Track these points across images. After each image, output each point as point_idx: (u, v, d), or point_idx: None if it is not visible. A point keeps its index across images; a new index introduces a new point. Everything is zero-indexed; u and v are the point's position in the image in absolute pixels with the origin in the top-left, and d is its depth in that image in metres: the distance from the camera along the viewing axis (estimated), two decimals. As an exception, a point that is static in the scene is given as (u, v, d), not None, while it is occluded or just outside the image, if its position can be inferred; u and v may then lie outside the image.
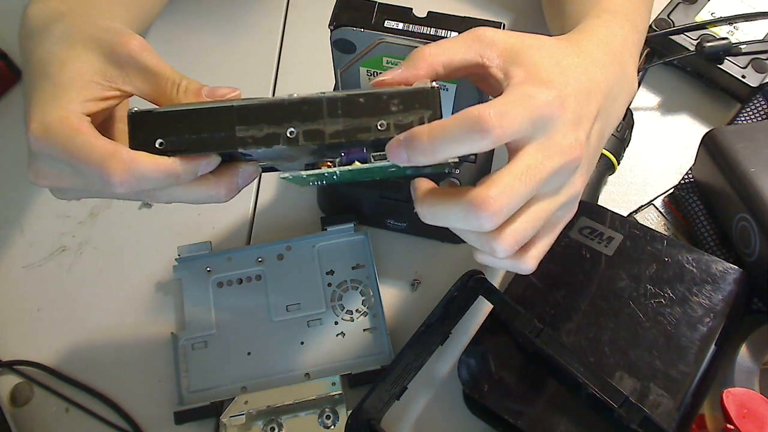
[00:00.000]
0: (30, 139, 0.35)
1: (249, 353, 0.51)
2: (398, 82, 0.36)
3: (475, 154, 0.55)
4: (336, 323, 0.52)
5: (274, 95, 0.64)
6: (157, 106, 0.35)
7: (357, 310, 0.53)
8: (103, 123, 0.39)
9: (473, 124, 0.32)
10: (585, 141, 0.35)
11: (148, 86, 0.37)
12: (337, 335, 0.52)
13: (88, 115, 0.36)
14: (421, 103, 0.35)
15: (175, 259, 0.54)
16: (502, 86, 0.35)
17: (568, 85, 0.35)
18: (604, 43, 0.40)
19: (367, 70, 0.47)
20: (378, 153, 0.36)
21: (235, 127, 0.34)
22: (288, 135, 0.34)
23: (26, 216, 0.60)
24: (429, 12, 0.44)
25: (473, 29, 0.37)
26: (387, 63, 0.45)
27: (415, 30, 0.43)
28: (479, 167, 0.54)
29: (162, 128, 0.35)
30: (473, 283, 0.49)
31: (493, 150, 0.56)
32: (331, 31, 0.44)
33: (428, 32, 0.43)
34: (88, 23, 0.38)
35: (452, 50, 0.36)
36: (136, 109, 0.35)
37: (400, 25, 0.43)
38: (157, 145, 0.34)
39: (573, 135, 0.34)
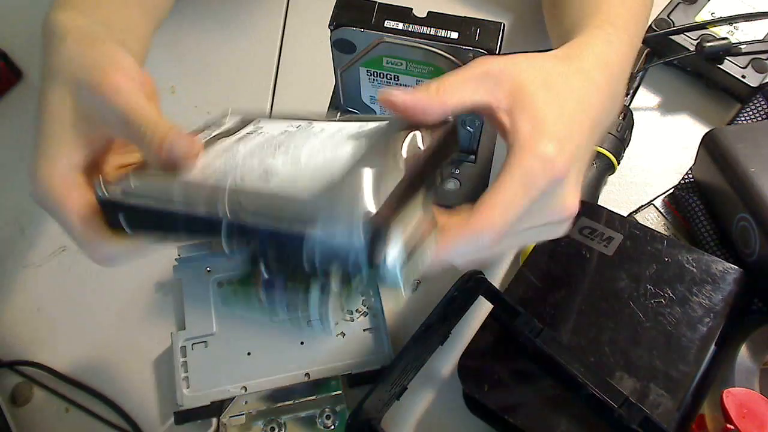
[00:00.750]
0: (33, 196, 0.38)
1: (249, 353, 0.51)
2: (403, 104, 0.35)
3: (475, 154, 0.55)
4: (336, 323, 0.52)
5: (274, 97, 0.65)
6: (122, 194, 0.36)
7: (357, 310, 0.53)
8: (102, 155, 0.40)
9: (480, 235, 0.33)
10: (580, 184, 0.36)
11: (121, 131, 0.37)
12: (337, 335, 0.52)
13: (80, 163, 0.38)
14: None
15: (175, 259, 0.54)
16: (506, 131, 0.35)
17: (572, 140, 0.35)
18: (603, 64, 0.40)
19: (367, 70, 0.47)
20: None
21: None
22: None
23: (26, 216, 0.60)
24: (429, 12, 0.44)
25: (481, 61, 0.36)
26: (387, 63, 0.45)
27: (415, 30, 0.43)
28: (479, 167, 0.54)
29: (122, 212, 0.36)
30: (473, 283, 0.49)
31: (492, 151, 0.56)
32: (331, 31, 0.44)
33: (428, 32, 0.43)
34: (79, 56, 0.38)
35: (463, 92, 0.35)
36: (104, 195, 0.35)
37: (400, 25, 0.43)
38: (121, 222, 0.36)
39: (573, 194, 0.35)
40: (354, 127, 0.36)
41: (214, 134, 0.39)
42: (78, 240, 0.38)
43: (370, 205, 0.29)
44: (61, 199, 0.37)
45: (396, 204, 0.30)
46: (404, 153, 0.33)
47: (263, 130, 0.38)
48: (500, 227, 0.33)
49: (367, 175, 0.30)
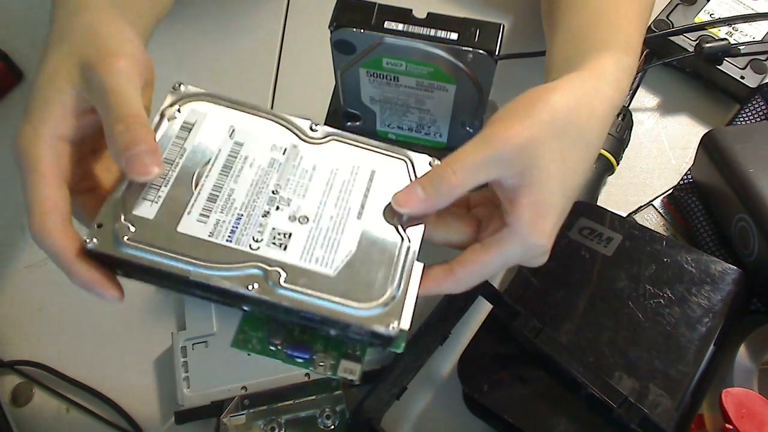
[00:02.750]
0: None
1: (249, 353, 0.51)
2: (421, 211, 0.37)
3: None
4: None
5: (274, 98, 0.65)
6: (114, 249, 0.34)
7: (357, 311, 0.53)
8: (91, 135, 0.38)
9: (456, 288, 0.38)
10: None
11: (102, 116, 0.35)
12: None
13: (64, 133, 0.36)
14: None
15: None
16: (506, 207, 0.37)
17: (562, 217, 0.37)
18: (615, 106, 0.40)
19: (367, 71, 0.47)
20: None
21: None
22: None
23: (27, 216, 0.60)
24: (429, 13, 0.44)
25: (493, 137, 0.36)
26: (387, 64, 0.46)
27: (415, 31, 0.43)
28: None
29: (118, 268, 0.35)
30: (473, 284, 0.49)
31: None
32: (331, 32, 0.44)
33: (428, 33, 0.43)
34: (86, 28, 0.37)
35: (476, 176, 0.36)
36: (91, 247, 0.34)
37: (400, 26, 0.44)
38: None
39: (549, 244, 0.37)
40: (347, 172, 0.38)
41: (174, 137, 0.37)
42: (29, 207, 0.36)
43: (406, 322, 0.34)
44: (35, 161, 0.35)
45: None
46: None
47: (247, 153, 0.37)
48: (473, 284, 0.38)
49: (409, 296, 0.35)
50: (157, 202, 0.35)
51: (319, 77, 0.58)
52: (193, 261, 0.33)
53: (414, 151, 0.39)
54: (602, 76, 0.40)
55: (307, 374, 0.50)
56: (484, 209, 0.40)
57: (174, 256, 0.33)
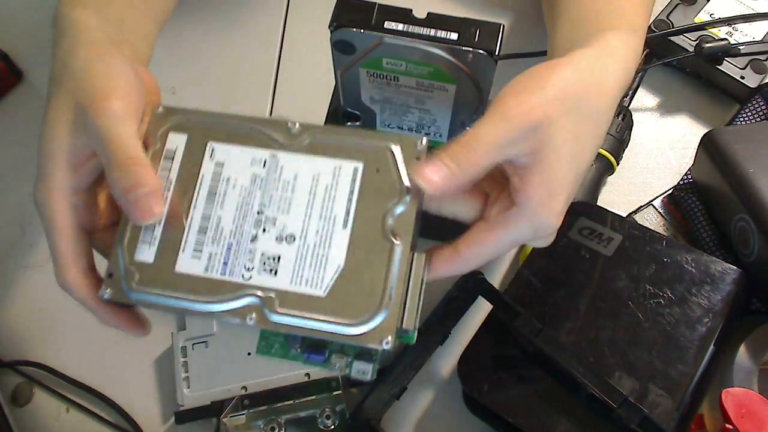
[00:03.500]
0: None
1: (249, 353, 0.51)
2: (444, 189, 0.35)
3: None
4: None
5: (274, 98, 0.65)
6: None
7: (357, 311, 0.53)
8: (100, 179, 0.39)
9: (462, 269, 0.37)
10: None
11: (102, 160, 0.36)
12: (337, 335, 0.52)
13: (76, 184, 0.37)
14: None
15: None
16: (515, 185, 0.36)
17: (571, 196, 0.36)
18: (621, 87, 0.40)
19: (367, 71, 0.47)
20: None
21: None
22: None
23: (27, 216, 0.60)
24: (429, 13, 0.44)
25: (509, 113, 0.35)
26: (387, 64, 0.46)
27: (415, 31, 0.43)
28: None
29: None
30: (473, 283, 0.49)
31: None
32: (331, 32, 0.44)
33: (428, 33, 0.43)
34: (85, 68, 0.37)
35: (497, 153, 0.35)
36: (107, 297, 0.37)
37: (400, 26, 0.44)
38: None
39: (558, 224, 0.36)
40: (328, 175, 0.37)
41: (159, 170, 0.38)
42: (59, 270, 0.38)
43: (410, 321, 0.35)
44: (51, 215, 0.37)
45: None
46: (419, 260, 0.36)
47: (229, 174, 0.37)
48: (478, 264, 0.37)
49: (411, 294, 0.35)
50: (153, 244, 0.36)
51: (319, 77, 0.58)
52: (194, 299, 0.35)
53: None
54: (610, 53, 0.39)
55: (307, 374, 0.50)
56: (489, 183, 0.38)
57: (176, 296, 0.36)
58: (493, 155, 0.35)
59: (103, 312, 0.37)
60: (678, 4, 0.62)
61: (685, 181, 0.57)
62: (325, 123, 0.55)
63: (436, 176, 0.34)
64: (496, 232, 0.36)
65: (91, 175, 0.38)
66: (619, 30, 0.41)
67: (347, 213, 0.36)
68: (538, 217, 0.35)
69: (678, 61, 0.61)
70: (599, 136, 0.38)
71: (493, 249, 0.36)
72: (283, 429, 0.48)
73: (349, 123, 0.53)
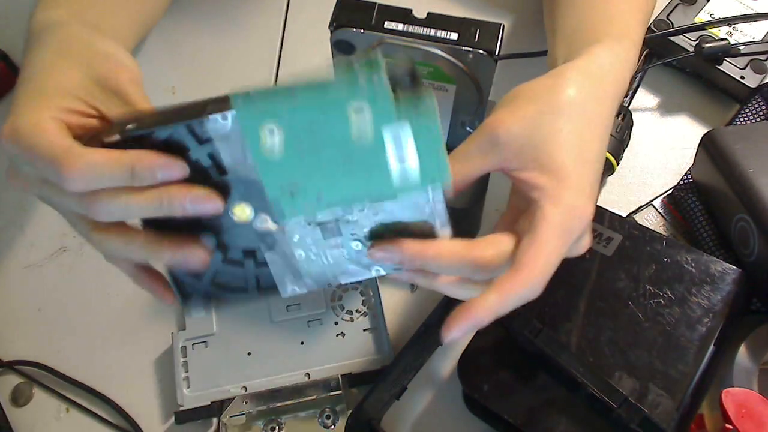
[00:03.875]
0: (2, 142, 0.34)
1: (249, 353, 0.51)
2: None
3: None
4: (336, 323, 0.52)
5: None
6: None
7: (357, 310, 0.53)
8: (84, 132, 0.36)
9: (529, 290, 0.34)
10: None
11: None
12: (337, 335, 0.52)
13: (65, 120, 0.35)
14: None
15: (176, 260, 0.54)
16: (527, 188, 0.35)
17: (590, 182, 0.36)
18: (616, 84, 0.40)
19: (367, 71, 0.47)
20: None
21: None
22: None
23: (27, 216, 0.60)
24: (429, 13, 0.44)
25: (487, 124, 0.36)
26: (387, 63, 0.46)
27: (415, 31, 0.43)
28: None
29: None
30: (473, 284, 0.49)
31: None
32: (331, 32, 0.44)
33: (428, 33, 0.43)
34: (85, 43, 0.38)
35: (474, 165, 0.36)
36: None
37: (400, 26, 0.44)
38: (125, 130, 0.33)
39: (590, 231, 0.36)
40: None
41: None
42: (52, 157, 0.32)
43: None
44: (43, 127, 0.33)
45: None
46: None
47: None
48: (544, 279, 0.34)
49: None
50: None
51: (319, 77, 0.58)
52: None
53: None
54: (592, 62, 0.40)
55: (307, 374, 0.50)
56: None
57: None
58: (470, 166, 0.36)
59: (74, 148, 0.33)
60: (678, 4, 0.62)
61: (685, 181, 0.57)
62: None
63: None
64: (539, 235, 0.34)
65: (80, 124, 0.35)
66: (609, 39, 0.42)
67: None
68: (562, 200, 0.34)
69: (678, 61, 0.61)
70: (610, 114, 0.38)
71: (546, 254, 0.34)
72: (283, 429, 0.48)
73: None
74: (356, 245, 0.35)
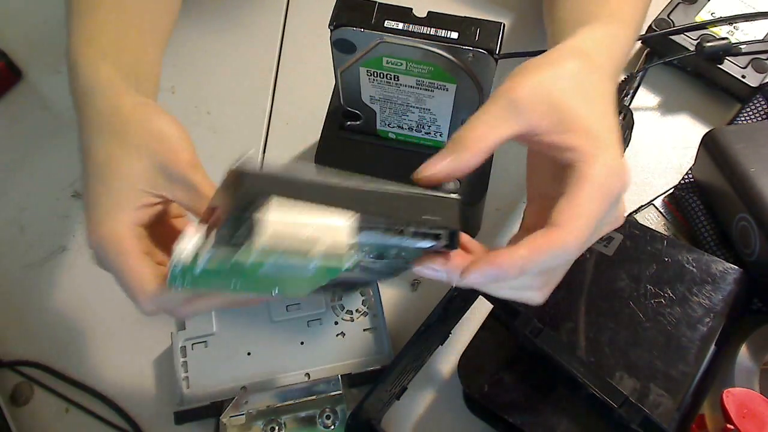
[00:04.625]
0: (89, 244, 0.39)
1: (249, 353, 0.51)
2: (446, 174, 0.34)
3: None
4: (336, 323, 0.52)
5: (274, 98, 0.65)
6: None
7: (357, 310, 0.53)
8: (155, 218, 0.41)
9: (568, 245, 0.32)
10: None
11: (189, 200, 0.40)
12: (337, 335, 0.52)
13: (139, 220, 0.39)
14: (445, 213, 0.34)
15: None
16: (559, 150, 0.34)
17: (617, 142, 0.35)
18: (612, 58, 0.40)
19: (367, 70, 0.47)
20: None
21: None
22: None
23: (26, 216, 0.60)
24: (429, 12, 0.44)
25: (505, 90, 0.35)
26: (387, 63, 0.45)
27: (415, 30, 0.43)
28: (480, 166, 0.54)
29: None
30: (473, 283, 0.49)
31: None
32: (331, 31, 0.44)
33: (428, 32, 0.43)
34: (142, 126, 0.40)
35: (497, 131, 0.34)
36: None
37: (400, 25, 0.43)
38: None
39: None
40: None
41: None
42: (131, 292, 0.39)
43: None
44: (125, 248, 0.38)
45: None
46: None
47: None
48: (581, 241, 0.32)
49: None
50: None
51: (319, 77, 0.58)
52: None
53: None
54: (587, 39, 0.39)
55: (307, 374, 0.50)
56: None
57: None
58: (493, 132, 0.34)
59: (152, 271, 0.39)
60: (679, 3, 0.61)
61: (686, 180, 0.57)
62: (325, 122, 0.55)
63: (435, 164, 0.34)
64: (579, 192, 0.32)
65: (152, 215, 0.40)
66: (596, 22, 0.42)
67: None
68: (599, 159, 0.33)
69: (679, 61, 0.61)
70: (613, 83, 0.38)
71: (588, 211, 0.32)
72: (283, 429, 0.48)
73: (349, 123, 0.53)
74: None
